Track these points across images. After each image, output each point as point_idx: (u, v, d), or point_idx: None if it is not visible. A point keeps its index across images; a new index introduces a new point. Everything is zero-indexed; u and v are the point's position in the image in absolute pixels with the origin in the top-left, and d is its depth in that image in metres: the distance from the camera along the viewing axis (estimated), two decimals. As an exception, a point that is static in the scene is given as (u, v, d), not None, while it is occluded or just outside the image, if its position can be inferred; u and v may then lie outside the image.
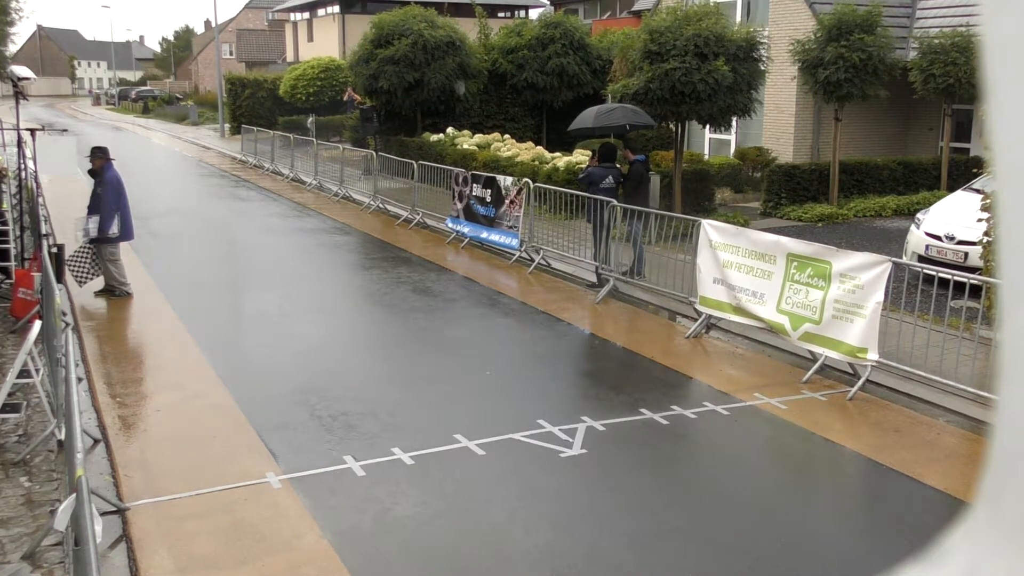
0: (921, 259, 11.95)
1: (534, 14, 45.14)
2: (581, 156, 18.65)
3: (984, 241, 9.47)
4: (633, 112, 14.46)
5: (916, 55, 18.24)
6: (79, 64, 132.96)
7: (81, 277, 11.68)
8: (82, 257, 11.73)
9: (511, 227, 14.66)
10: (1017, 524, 0.63)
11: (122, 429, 7.52)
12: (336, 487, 6.42)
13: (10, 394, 7.36)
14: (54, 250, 9.92)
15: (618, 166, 13.20)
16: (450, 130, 24.43)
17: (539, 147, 22.09)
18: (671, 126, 16.98)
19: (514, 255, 14.48)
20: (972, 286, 8.43)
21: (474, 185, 15.66)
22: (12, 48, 18.92)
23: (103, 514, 5.16)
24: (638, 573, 5.40)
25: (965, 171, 18.24)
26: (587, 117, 14.70)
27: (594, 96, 23.64)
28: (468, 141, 23.13)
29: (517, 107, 26.83)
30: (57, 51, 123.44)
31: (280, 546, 5.61)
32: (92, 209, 11.83)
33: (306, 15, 49.34)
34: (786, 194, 18.15)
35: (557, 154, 20.08)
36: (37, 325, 7.52)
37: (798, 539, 5.89)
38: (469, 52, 25.32)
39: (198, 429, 7.49)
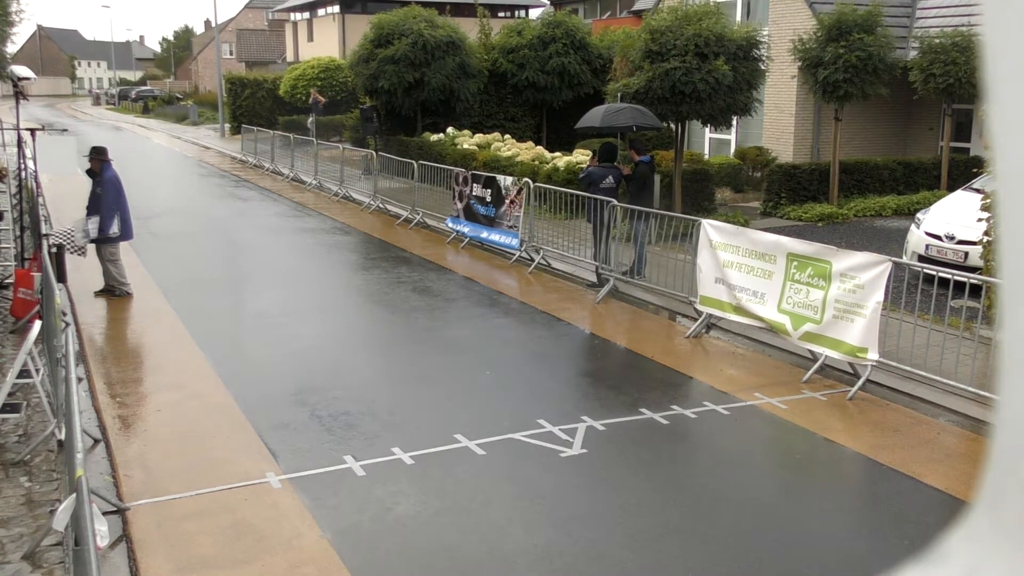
0: (921, 259, 11.95)
1: (534, 14, 45.17)
2: (581, 156, 18.65)
3: (984, 241, 9.47)
4: (641, 113, 14.46)
5: (916, 55, 18.25)
6: (79, 64, 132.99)
7: (74, 250, 11.58)
8: (69, 237, 11.67)
9: (511, 227, 14.66)
10: (1018, 524, 0.63)
11: (122, 429, 7.52)
12: (336, 487, 6.42)
13: (10, 394, 7.36)
14: (54, 250, 9.92)
15: (618, 166, 13.20)
16: (450, 130, 24.42)
17: (539, 147, 22.09)
18: (671, 126, 16.99)
19: (514, 255, 14.48)
20: (972, 286, 8.43)
21: (474, 185, 15.66)
22: (12, 48, 18.91)
23: (104, 514, 5.16)
24: (638, 573, 5.40)
25: (965, 171, 18.23)
26: (594, 116, 14.70)
27: (595, 95, 23.63)
28: (468, 141, 23.13)
29: (517, 107, 26.82)
30: (57, 51, 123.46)
31: (280, 546, 5.61)
32: (92, 209, 11.81)
33: (306, 15, 49.34)
34: (786, 194, 18.15)
35: (557, 154, 20.07)
36: (37, 325, 7.52)
37: (798, 539, 5.89)
38: (469, 52, 25.32)
39: (198, 429, 7.49)
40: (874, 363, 8.33)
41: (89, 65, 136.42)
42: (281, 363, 9.27)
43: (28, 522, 5.87)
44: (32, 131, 12.41)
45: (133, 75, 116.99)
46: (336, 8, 44.29)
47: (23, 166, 12.87)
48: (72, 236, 11.62)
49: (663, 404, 8.15)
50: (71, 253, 11.59)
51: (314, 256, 15.40)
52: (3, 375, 7.88)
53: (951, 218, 12.37)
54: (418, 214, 17.90)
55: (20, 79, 12.41)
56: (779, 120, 21.67)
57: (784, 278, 9.22)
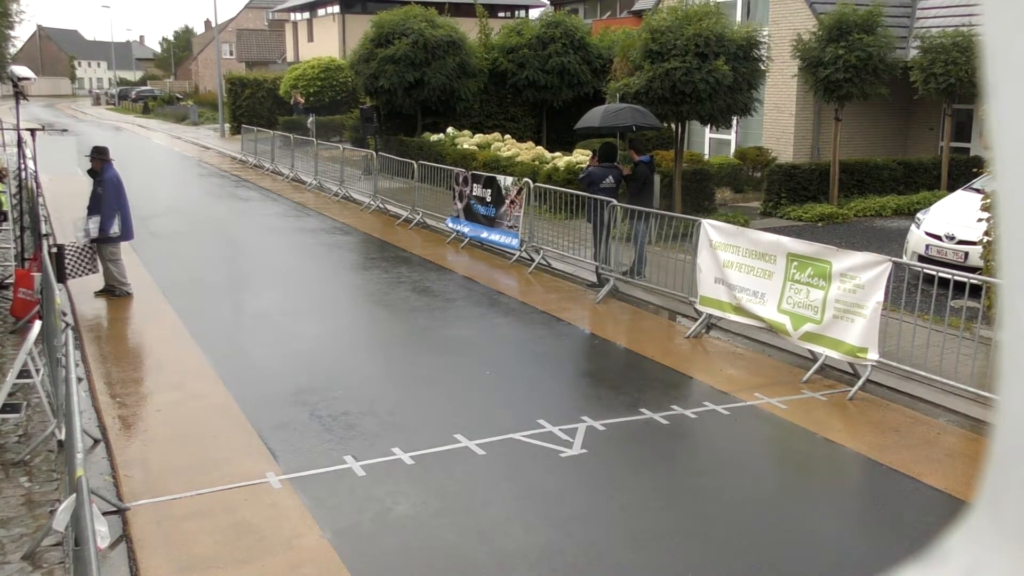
0: (921, 259, 11.95)
1: (534, 14, 45.15)
2: (581, 156, 18.65)
3: (984, 241, 9.47)
4: (640, 113, 14.47)
5: (917, 54, 18.25)
6: (79, 64, 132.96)
7: (75, 272, 11.58)
8: (79, 253, 11.66)
9: (511, 227, 14.66)
10: (1018, 524, 0.63)
11: (122, 429, 7.52)
12: (336, 487, 6.42)
13: (10, 394, 7.36)
14: (54, 250, 9.92)
15: (618, 166, 13.21)
16: (450, 130, 24.43)
17: (539, 147, 22.09)
18: (671, 126, 17.00)
19: (514, 255, 14.48)
20: (972, 286, 8.43)
21: (474, 185, 15.66)
22: (12, 48, 18.91)
23: (104, 514, 5.16)
24: (638, 573, 5.40)
25: (965, 171, 18.23)
26: (594, 116, 14.71)
27: (595, 95, 23.64)
28: (468, 141, 23.13)
29: (517, 107, 26.83)
30: (57, 51, 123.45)
31: (280, 546, 5.61)
32: (92, 209, 11.81)
33: (306, 15, 49.34)
34: (786, 194, 18.15)
35: (557, 154, 20.08)
36: (37, 325, 7.52)
37: (798, 539, 5.89)
38: (469, 51, 25.33)
39: (198, 429, 7.49)
40: (874, 363, 8.33)
41: (89, 65, 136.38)
42: (281, 363, 9.27)
43: (28, 522, 5.87)
44: (32, 131, 12.40)
45: (133, 75, 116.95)
46: (336, 8, 44.29)
47: (23, 166, 12.86)
48: (81, 259, 11.55)
49: (663, 404, 8.15)
50: (83, 274, 11.54)
51: (314, 256, 15.40)
52: (3, 375, 7.88)
53: (951, 218, 12.36)
54: (418, 214, 17.91)
55: (20, 79, 12.40)
56: (779, 120, 21.67)
57: (784, 278, 9.22)
